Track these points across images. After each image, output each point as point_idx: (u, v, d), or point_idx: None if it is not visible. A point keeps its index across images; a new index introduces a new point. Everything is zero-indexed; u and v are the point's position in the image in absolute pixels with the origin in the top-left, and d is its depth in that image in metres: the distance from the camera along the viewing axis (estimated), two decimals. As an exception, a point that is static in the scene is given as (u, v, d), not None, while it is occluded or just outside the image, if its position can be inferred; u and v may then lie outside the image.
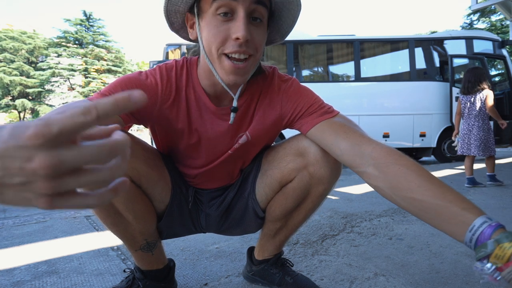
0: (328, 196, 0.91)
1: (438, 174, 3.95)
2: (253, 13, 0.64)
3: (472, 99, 3.03)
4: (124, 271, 1.00)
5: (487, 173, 3.09)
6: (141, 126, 0.84)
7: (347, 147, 0.70)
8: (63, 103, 21.51)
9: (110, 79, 22.36)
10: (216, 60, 0.67)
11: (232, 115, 0.75)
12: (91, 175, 0.25)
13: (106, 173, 0.26)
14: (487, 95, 2.95)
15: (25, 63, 21.66)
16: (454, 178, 3.59)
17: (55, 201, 0.25)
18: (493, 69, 9.25)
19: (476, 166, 4.77)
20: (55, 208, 0.25)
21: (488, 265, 0.47)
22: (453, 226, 0.53)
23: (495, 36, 6.00)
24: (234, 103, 0.74)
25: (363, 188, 2.92)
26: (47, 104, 22.20)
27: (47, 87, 22.14)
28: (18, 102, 21.02)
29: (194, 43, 0.77)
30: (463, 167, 4.75)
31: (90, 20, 22.76)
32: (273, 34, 0.79)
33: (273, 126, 0.83)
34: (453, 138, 3.33)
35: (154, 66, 0.78)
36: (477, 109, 2.99)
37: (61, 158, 0.23)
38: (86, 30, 22.77)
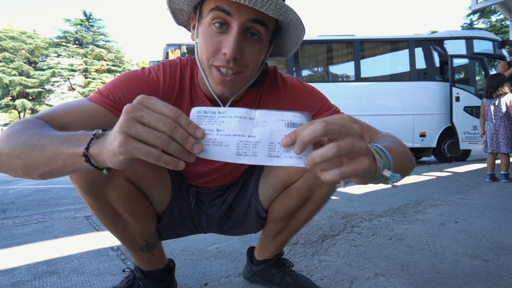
0: (328, 196, 0.91)
1: (438, 174, 3.96)
2: (250, 29, 0.63)
3: (496, 102, 3.40)
4: (124, 271, 1.00)
5: (502, 172, 3.37)
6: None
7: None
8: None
9: (110, 79, 22.30)
10: (207, 69, 0.67)
11: None
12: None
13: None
14: (511, 99, 3.33)
15: (25, 63, 21.65)
16: (454, 178, 3.59)
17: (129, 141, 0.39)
18: (493, 69, 9.26)
19: (478, 166, 4.77)
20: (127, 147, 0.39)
21: None
22: None
23: (495, 36, 6.00)
24: None
25: (363, 188, 2.92)
26: (47, 104, 22.20)
27: (47, 87, 22.14)
28: (18, 102, 21.01)
29: (194, 44, 0.76)
30: (463, 167, 4.77)
31: (90, 20, 22.75)
32: (279, 48, 0.78)
33: None
34: (480, 138, 3.75)
35: (158, 63, 0.77)
36: (503, 111, 3.35)
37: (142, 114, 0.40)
38: (86, 30, 22.76)
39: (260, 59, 0.69)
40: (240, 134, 0.43)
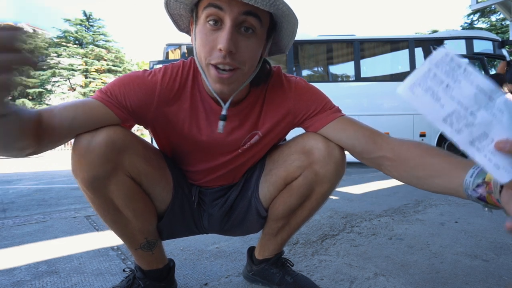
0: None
1: (438, 174, 3.95)
2: (243, 24, 0.64)
3: None
4: (124, 270, 1.00)
5: None
6: (141, 127, 0.85)
7: (368, 136, 0.77)
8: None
9: (111, 79, 22.37)
10: (205, 68, 0.68)
11: (221, 123, 0.75)
12: None
13: None
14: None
15: (25, 63, 21.63)
16: (454, 178, 3.58)
17: None
18: (493, 69, 9.26)
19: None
20: None
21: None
22: (456, 172, 0.61)
23: (495, 36, 6.00)
24: (223, 111, 0.74)
25: (363, 188, 2.92)
26: (47, 104, 22.20)
27: (48, 87, 22.14)
28: (18, 102, 21.02)
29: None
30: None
31: (90, 20, 22.77)
32: (276, 45, 0.79)
33: (283, 123, 0.84)
34: None
35: (155, 66, 0.79)
36: None
37: None
38: (86, 30, 22.77)
39: (257, 54, 0.70)
40: (464, 105, 0.36)
